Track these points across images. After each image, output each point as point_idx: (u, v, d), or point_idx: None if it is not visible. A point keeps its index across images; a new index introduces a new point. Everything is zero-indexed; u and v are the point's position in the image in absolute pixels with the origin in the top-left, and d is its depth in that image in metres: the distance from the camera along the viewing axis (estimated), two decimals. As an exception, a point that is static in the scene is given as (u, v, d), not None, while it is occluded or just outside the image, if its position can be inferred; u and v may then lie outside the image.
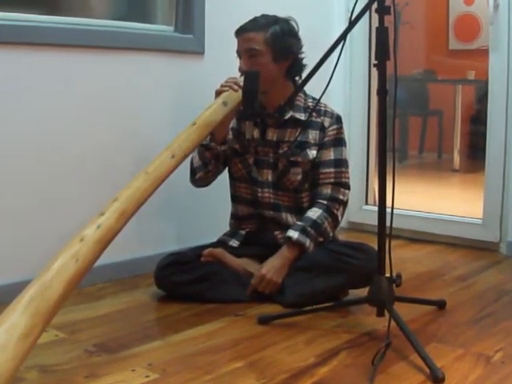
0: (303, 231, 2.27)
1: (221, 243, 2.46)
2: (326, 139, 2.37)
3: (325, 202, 2.34)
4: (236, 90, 2.19)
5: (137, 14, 2.81)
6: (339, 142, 2.39)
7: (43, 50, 2.29)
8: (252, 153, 2.41)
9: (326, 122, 2.38)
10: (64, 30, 2.36)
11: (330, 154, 2.37)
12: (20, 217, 2.27)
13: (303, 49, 2.38)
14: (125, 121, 2.58)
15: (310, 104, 2.40)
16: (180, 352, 1.87)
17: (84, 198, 2.43)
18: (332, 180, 2.36)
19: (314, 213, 2.32)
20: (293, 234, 2.27)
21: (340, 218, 2.38)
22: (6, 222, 2.24)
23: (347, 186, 2.39)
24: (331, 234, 2.36)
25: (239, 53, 2.32)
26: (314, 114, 2.37)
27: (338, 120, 2.41)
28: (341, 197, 2.36)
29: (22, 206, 2.28)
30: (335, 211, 2.34)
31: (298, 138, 2.32)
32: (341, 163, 2.38)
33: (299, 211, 2.40)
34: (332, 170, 2.36)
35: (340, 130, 2.40)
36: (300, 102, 2.39)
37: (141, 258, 2.64)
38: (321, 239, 2.31)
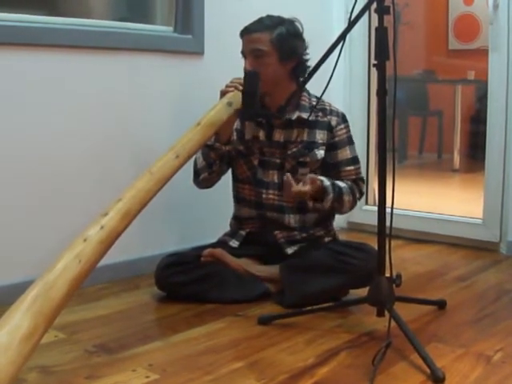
0: (333, 185, 2.28)
1: (221, 243, 2.46)
2: (338, 138, 2.39)
3: (349, 183, 2.38)
4: (241, 91, 2.19)
5: (136, 14, 2.81)
6: (351, 139, 2.44)
7: (42, 51, 2.29)
8: (257, 154, 2.41)
9: (333, 121, 2.39)
10: (63, 31, 2.36)
11: (348, 153, 2.40)
12: (22, 217, 2.27)
13: (305, 49, 2.38)
14: (124, 121, 2.58)
15: (315, 103, 2.40)
16: (180, 352, 1.87)
17: (86, 198, 2.43)
18: (353, 177, 2.41)
19: (342, 183, 2.35)
20: (325, 181, 2.26)
21: (355, 204, 2.41)
22: (9, 223, 2.24)
23: (364, 180, 2.47)
24: (344, 210, 2.37)
25: (244, 53, 2.32)
26: (320, 113, 2.38)
27: (344, 118, 2.43)
28: (362, 189, 2.44)
29: (25, 207, 2.28)
30: (357, 195, 2.40)
31: (306, 139, 2.33)
32: (357, 160, 2.44)
33: (301, 211, 2.40)
34: (352, 167, 2.41)
35: (348, 128, 2.44)
36: (305, 102, 2.39)
37: (141, 258, 2.64)
38: (337, 204, 2.32)
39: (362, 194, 2.45)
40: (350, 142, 2.42)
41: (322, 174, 2.34)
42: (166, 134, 2.53)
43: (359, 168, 2.44)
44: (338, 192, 2.29)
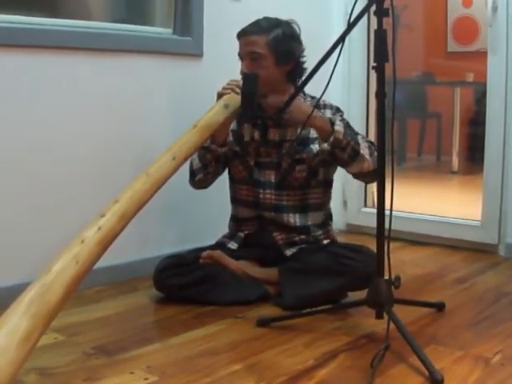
0: (341, 121, 2.17)
1: (219, 245, 2.46)
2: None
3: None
4: (238, 93, 2.19)
5: (136, 16, 2.81)
6: (350, 125, 2.29)
7: (42, 52, 2.29)
8: (252, 154, 2.41)
9: (328, 113, 2.36)
10: (63, 33, 2.36)
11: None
12: (20, 218, 2.27)
13: (303, 52, 2.38)
14: (123, 122, 2.58)
15: (309, 102, 2.39)
16: (179, 354, 1.87)
17: (84, 199, 2.43)
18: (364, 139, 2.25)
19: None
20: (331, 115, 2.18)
21: (374, 157, 2.15)
22: (6, 223, 2.23)
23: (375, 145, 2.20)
24: (364, 157, 2.17)
25: (241, 55, 2.32)
26: (315, 109, 2.36)
27: (338, 110, 2.39)
28: (375, 150, 2.15)
29: (22, 207, 2.28)
30: (373, 149, 2.19)
31: (300, 135, 2.30)
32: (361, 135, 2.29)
33: (303, 210, 2.40)
34: (359, 136, 2.24)
35: (343, 116, 2.35)
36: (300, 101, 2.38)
37: (140, 260, 2.64)
38: (352, 142, 2.15)
39: (374, 153, 2.14)
40: (349, 125, 2.27)
41: (325, 168, 2.35)
42: (166, 135, 2.52)
43: (365, 138, 2.30)
44: (350, 130, 2.15)
